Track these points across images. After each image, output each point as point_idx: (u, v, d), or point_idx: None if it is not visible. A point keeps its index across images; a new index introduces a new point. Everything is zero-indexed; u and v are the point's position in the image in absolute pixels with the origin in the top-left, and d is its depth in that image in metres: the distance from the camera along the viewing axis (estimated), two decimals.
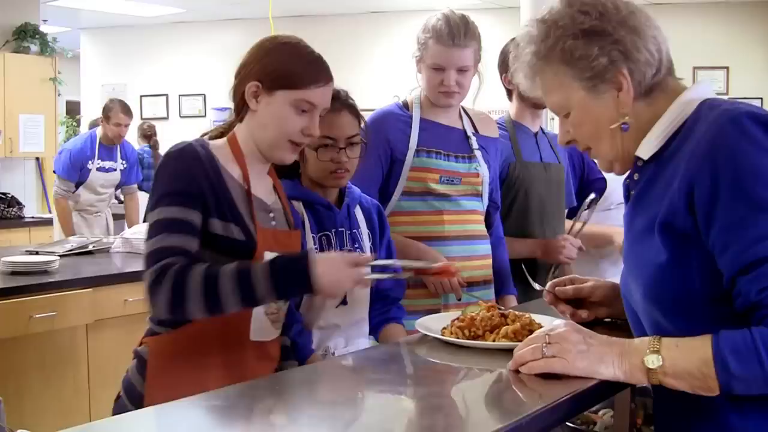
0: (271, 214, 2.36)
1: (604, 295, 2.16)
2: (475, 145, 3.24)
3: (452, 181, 3.14)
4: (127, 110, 7.01)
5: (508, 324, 2.06)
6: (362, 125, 2.72)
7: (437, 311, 3.04)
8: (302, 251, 2.30)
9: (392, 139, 3.11)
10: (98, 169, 6.97)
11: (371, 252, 2.72)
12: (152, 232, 2.14)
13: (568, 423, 2.21)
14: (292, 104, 2.26)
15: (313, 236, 2.59)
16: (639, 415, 2.29)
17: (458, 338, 2.06)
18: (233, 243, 2.20)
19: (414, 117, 3.17)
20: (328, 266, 2.09)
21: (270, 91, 2.26)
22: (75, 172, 6.89)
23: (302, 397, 1.85)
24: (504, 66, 3.64)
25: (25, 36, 8.50)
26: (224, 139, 2.34)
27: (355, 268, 2.13)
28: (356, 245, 2.68)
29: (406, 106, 3.23)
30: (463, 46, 3.05)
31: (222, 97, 12.18)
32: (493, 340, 2.01)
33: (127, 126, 7.04)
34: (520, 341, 1.82)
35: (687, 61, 9.88)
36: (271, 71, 2.26)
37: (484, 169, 3.22)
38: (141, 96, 12.37)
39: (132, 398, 2.25)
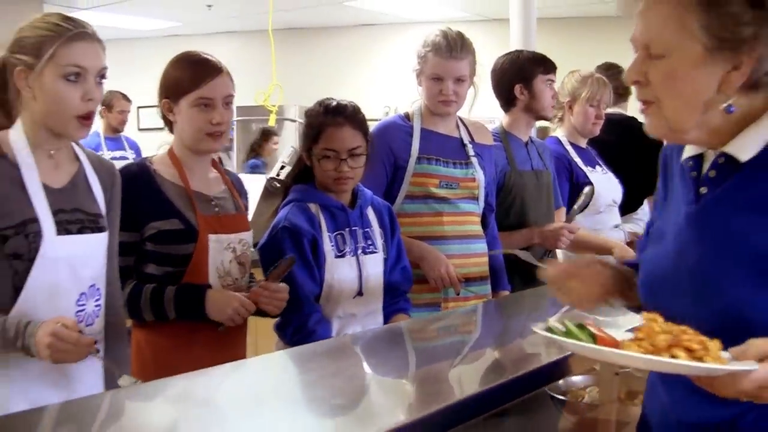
0: (213, 203, 2.77)
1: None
2: (471, 152, 3.51)
3: (451, 185, 3.41)
4: (126, 98, 7.71)
5: None
6: (368, 137, 2.96)
7: (437, 304, 3.34)
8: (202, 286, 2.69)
9: (395, 148, 3.38)
10: (112, 159, 7.29)
11: (383, 250, 3.00)
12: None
13: (557, 396, 2.44)
14: (193, 105, 2.68)
15: (329, 235, 2.86)
16: (622, 390, 2.52)
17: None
18: (175, 232, 2.64)
19: (415, 127, 3.44)
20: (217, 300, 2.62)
21: (176, 101, 2.70)
22: None
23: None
24: (522, 76, 3.89)
25: None
26: (166, 152, 2.79)
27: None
28: (369, 242, 2.95)
29: (407, 117, 3.50)
30: (459, 59, 3.34)
31: None
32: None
33: (128, 112, 7.76)
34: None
35: None
36: (169, 86, 2.72)
37: (479, 175, 3.49)
38: (138, 107, 12.53)
39: None
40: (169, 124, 2.77)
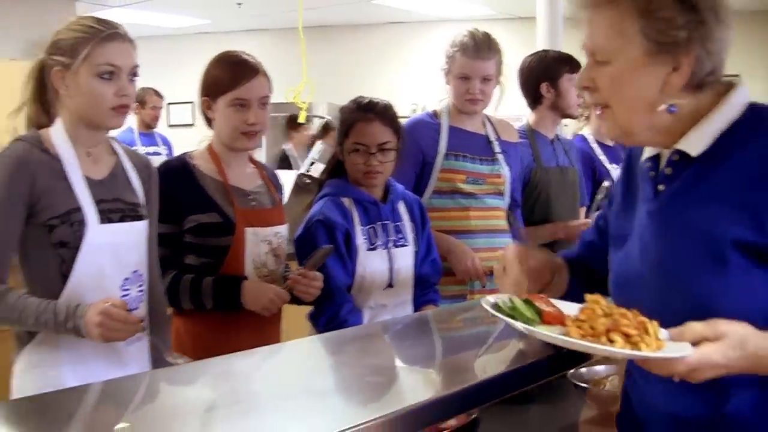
0: (250, 197, 2.89)
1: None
2: (497, 149, 3.62)
3: (477, 181, 3.52)
4: (159, 94, 7.89)
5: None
6: (399, 134, 3.06)
7: (464, 296, 3.44)
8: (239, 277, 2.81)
9: (423, 145, 3.50)
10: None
11: (413, 243, 3.10)
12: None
13: (580, 383, 2.52)
14: (230, 105, 2.80)
15: (362, 228, 2.97)
16: None
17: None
18: (213, 225, 2.77)
19: (443, 124, 3.56)
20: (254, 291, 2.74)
21: (214, 100, 2.83)
22: None
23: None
24: (548, 75, 3.98)
25: None
26: (206, 147, 2.91)
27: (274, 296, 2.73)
28: (400, 236, 3.06)
29: (435, 114, 3.62)
30: (486, 59, 3.45)
31: None
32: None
33: (161, 108, 7.96)
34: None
35: None
36: (208, 85, 2.85)
37: (505, 171, 3.60)
38: (168, 104, 12.67)
39: None
40: (209, 121, 2.89)
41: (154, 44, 12.96)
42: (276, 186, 3.04)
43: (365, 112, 3.00)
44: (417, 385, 1.84)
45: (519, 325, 1.67)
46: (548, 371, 2.02)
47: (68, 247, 2.34)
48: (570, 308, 1.69)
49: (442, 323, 2.53)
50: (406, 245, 3.07)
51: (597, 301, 1.62)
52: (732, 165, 1.62)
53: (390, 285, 3.02)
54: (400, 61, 11.57)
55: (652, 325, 1.53)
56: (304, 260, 2.81)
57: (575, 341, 1.55)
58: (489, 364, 1.97)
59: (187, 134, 10.55)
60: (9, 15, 8.80)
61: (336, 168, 3.12)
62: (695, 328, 1.49)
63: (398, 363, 2.06)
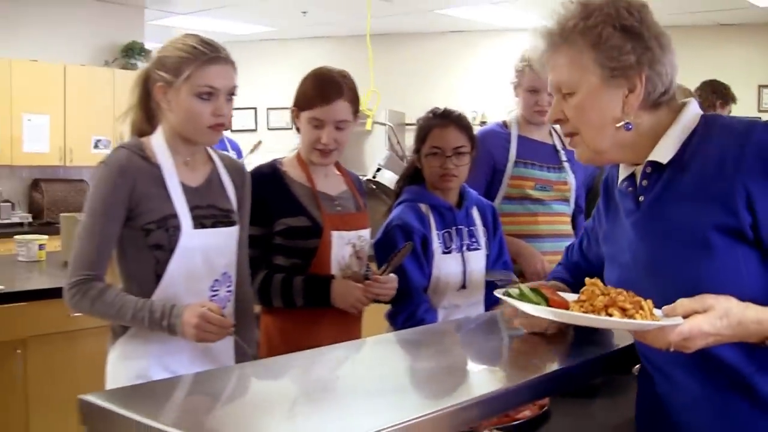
0: (336, 202, 3.03)
1: None
2: (563, 157, 3.77)
3: (545, 188, 3.68)
4: None
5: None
6: (473, 141, 3.22)
7: None
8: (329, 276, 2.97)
9: (494, 153, 3.66)
10: None
11: (485, 247, 3.25)
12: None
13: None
14: (308, 121, 2.95)
15: (437, 233, 3.14)
16: None
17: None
18: (302, 229, 2.91)
19: (512, 134, 3.73)
20: (341, 290, 2.89)
21: (300, 112, 2.98)
22: None
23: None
24: None
25: (132, 54, 9.13)
26: (295, 155, 3.06)
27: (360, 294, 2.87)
28: (473, 239, 3.22)
29: (505, 125, 3.79)
30: None
31: None
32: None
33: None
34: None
35: (752, 80, 10.05)
36: (298, 97, 2.99)
37: (571, 179, 3.75)
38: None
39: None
40: (298, 129, 3.04)
41: None
42: (360, 191, 3.17)
43: (441, 119, 3.18)
44: (487, 378, 1.97)
45: (527, 306, 1.87)
46: (612, 367, 2.15)
47: (163, 250, 2.50)
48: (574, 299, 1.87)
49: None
50: (479, 249, 3.23)
51: (595, 283, 1.81)
52: (698, 165, 1.80)
53: (463, 286, 3.18)
54: (460, 69, 11.60)
55: (647, 303, 1.71)
56: (384, 262, 2.97)
57: (577, 314, 1.75)
58: (554, 359, 2.10)
59: (250, 139, 10.75)
60: (79, 22, 9.08)
61: (413, 175, 3.29)
62: (685, 303, 1.65)
63: (470, 358, 2.18)
